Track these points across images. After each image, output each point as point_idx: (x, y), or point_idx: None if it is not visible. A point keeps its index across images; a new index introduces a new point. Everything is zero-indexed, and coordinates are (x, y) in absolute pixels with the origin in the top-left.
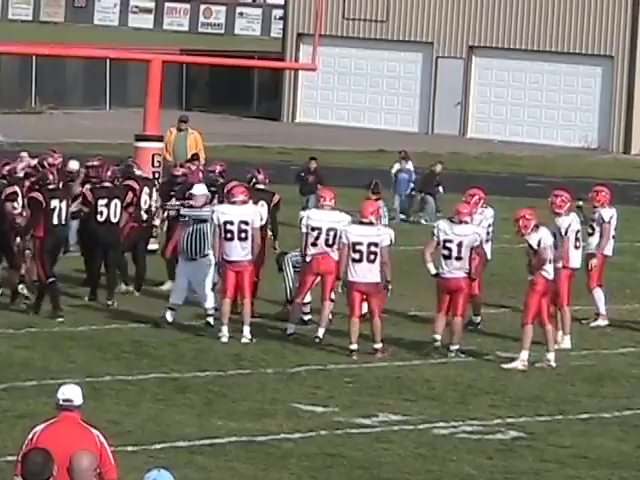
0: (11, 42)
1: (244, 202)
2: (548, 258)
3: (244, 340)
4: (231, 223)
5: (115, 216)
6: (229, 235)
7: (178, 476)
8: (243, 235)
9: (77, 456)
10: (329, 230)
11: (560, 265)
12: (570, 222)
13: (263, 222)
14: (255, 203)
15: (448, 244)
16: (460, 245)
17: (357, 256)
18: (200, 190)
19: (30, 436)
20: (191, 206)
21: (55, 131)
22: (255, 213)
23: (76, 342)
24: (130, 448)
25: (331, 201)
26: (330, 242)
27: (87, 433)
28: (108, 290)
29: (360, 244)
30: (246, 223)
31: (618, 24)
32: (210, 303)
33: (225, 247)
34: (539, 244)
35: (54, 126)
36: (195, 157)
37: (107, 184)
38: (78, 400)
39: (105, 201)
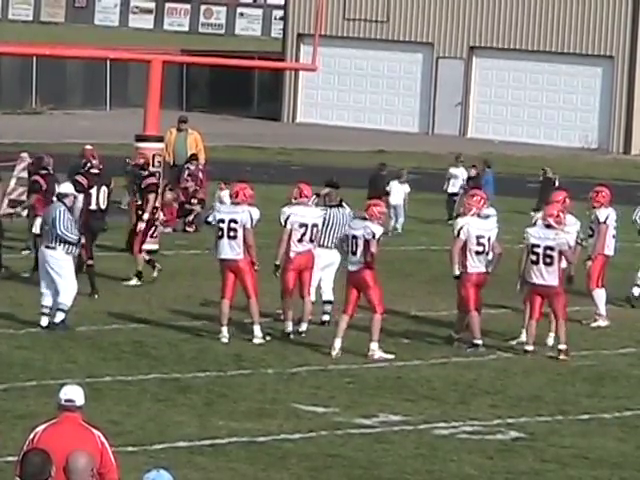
0: (11, 42)
1: (238, 203)
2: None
3: (256, 341)
4: (222, 221)
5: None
6: (220, 233)
7: (178, 476)
8: (232, 234)
9: (74, 456)
10: (313, 226)
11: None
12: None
13: (255, 221)
14: (91, 187)
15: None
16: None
17: (534, 258)
18: (68, 189)
19: (31, 436)
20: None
21: (55, 131)
22: (245, 212)
23: (76, 342)
24: (130, 448)
25: (311, 197)
26: (314, 238)
27: (88, 434)
28: None
29: (537, 247)
30: (235, 222)
31: (618, 24)
32: (65, 299)
33: (216, 245)
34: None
35: (54, 126)
36: (193, 157)
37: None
38: (80, 400)
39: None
